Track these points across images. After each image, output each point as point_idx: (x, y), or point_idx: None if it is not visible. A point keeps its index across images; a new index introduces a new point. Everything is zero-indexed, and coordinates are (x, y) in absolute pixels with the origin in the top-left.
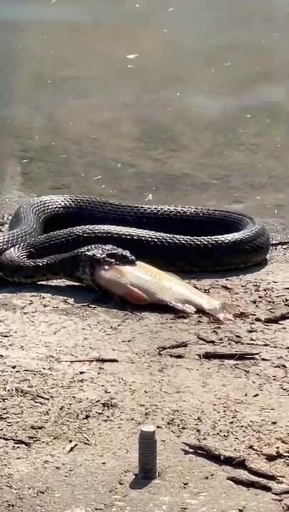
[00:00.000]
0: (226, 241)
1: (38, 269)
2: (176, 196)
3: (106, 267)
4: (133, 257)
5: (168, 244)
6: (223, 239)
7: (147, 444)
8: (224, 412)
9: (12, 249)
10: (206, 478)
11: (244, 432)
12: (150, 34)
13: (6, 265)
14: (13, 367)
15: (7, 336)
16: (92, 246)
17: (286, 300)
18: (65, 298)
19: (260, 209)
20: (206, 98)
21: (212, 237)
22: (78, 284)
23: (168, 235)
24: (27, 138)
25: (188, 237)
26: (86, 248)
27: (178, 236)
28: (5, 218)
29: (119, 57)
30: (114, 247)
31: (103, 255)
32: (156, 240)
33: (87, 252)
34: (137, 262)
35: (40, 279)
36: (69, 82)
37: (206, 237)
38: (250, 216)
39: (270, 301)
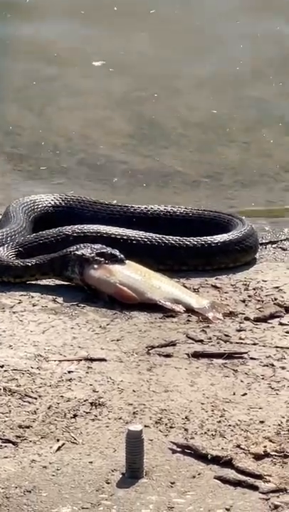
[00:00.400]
0: (216, 241)
1: (27, 269)
2: (168, 193)
3: (95, 266)
4: (122, 256)
5: (157, 244)
6: (212, 239)
7: (134, 443)
8: (212, 411)
9: (0, 248)
10: (193, 477)
11: (232, 431)
12: (136, 32)
13: None
14: (1, 366)
15: None
16: (82, 245)
17: (275, 299)
18: (54, 297)
19: (250, 207)
20: (197, 95)
21: (202, 238)
22: (67, 283)
23: (157, 235)
24: (17, 135)
25: (178, 237)
26: (75, 247)
27: (167, 236)
28: None
29: (110, 55)
30: (104, 246)
31: (92, 254)
32: (145, 239)
33: (76, 252)
34: (126, 261)
35: (29, 279)
36: (60, 79)
37: (195, 238)
38: (239, 217)
39: (259, 300)
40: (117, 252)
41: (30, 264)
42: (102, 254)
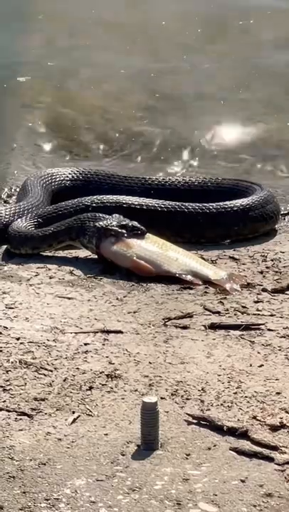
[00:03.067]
0: (235, 208)
1: (45, 238)
2: (185, 165)
3: (112, 240)
4: (143, 229)
5: (176, 213)
6: (232, 205)
7: (149, 414)
8: (228, 382)
9: (19, 219)
10: (209, 448)
11: (248, 402)
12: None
13: (13, 237)
14: (17, 339)
15: (12, 308)
16: (100, 215)
17: None
18: (72, 269)
19: (269, 179)
20: (215, 67)
21: (221, 204)
22: (85, 255)
23: (177, 203)
24: (37, 109)
25: (198, 204)
26: (92, 215)
27: (187, 204)
28: (12, 190)
29: (131, 27)
30: (122, 217)
31: (111, 227)
32: (165, 208)
33: (95, 223)
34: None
35: (46, 249)
36: (80, 51)
37: (214, 204)
38: (258, 183)
39: (277, 272)
40: (137, 225)
41: (47, 233)
42: (123, 226)
